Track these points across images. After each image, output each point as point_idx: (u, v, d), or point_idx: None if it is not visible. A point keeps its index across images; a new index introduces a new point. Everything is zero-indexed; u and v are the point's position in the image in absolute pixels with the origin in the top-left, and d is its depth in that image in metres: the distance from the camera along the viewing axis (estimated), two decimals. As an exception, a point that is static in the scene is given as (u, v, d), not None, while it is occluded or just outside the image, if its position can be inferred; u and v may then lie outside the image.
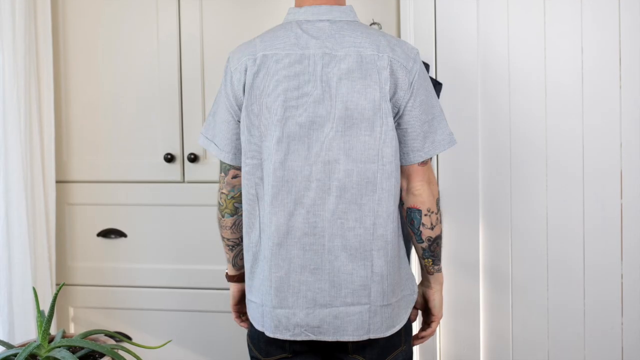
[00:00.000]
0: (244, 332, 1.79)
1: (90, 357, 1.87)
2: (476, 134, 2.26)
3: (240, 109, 1.51)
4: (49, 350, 1.80)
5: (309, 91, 1.45)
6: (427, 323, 1.65)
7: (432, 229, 1.54)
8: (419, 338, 1.65)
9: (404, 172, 1.52)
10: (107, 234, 2.60)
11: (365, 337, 1.48)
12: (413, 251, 2.08)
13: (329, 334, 1.48)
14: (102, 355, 1.85)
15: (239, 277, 1.68)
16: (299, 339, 1.48)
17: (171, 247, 2.56)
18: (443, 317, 2.21)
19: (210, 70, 2.49)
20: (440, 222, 1.55)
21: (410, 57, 1.49)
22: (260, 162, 1.49)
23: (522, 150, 2.25)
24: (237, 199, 1.58)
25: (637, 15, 2.16)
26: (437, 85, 2.11)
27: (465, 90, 2.26)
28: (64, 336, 1.91)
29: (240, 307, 1.72)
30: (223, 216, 1.61)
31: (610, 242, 2.21)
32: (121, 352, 2.19)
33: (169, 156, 2.51)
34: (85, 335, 1.89)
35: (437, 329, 2.14)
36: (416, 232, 1.54)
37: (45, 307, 2.35)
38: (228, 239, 1.64)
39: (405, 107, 1.48)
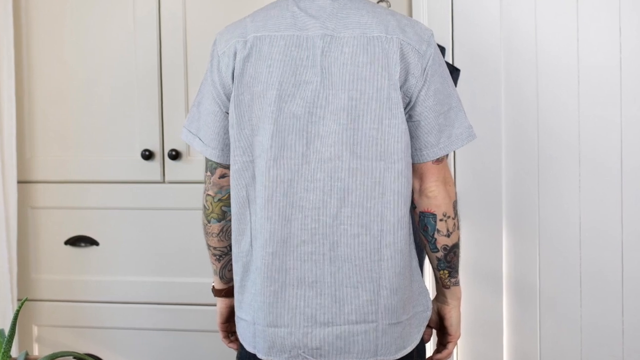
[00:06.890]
0: (232, 354, 1.80)
1: (57, 383, 1.88)
2: (499, 127, 2.26)
3: (228, 99, 1.51)
4: (10, 375, 1.80)
5: (307, 78, 1.45)
6: (442, 344, 1.65)
7: (448, 236, 1.53)
8: (433, 361, 1.65)
9: (417, 171, 1.52)
10: (76, 241, 2.60)
11: (372, 360, 1.48)
12: (427, 262, 2.08)
13: (330, 356, 1.48)
14: (71, 380, 1.86)
15: (227, 292, 1.68)
16: (296, 362, 1.48)
17: (149, 256, 2.56)
18: (461, 337, 2.21)
19: (194, 53, 2.49)
20: (458, 228, 1.55)
21: (423, 39, 1.49)
22: (251, 160, 1.49)
23: (552, 146, 2.25)
24: (225, 202, 1.58)
25: (683, -10, 2.16)
26: (454, 72, 2.11)
27: (486, 77, 2.26)
28: (26, 358, 1.92)
29: (229, 325, 1.72)
30: (209, 221, 1.61)
31: (652, 251, 2.21)
32: (92, 377, 2.19)
33: (147, 153, 2.51)
34: (52, 358, 1.90)
35: (455, 350, 2.14)
36: (430, 239, 1.54)
37: (6, 326, 2.35)
38: (215, 248, 1.64)
39: (417, 96, 1.48)
